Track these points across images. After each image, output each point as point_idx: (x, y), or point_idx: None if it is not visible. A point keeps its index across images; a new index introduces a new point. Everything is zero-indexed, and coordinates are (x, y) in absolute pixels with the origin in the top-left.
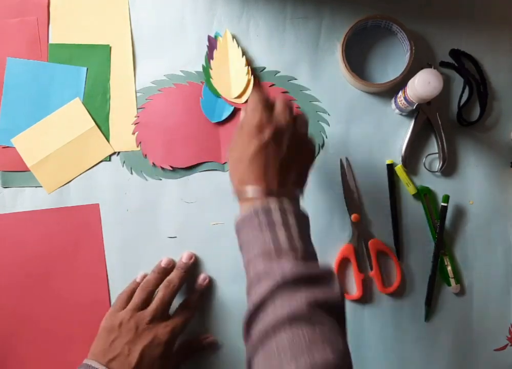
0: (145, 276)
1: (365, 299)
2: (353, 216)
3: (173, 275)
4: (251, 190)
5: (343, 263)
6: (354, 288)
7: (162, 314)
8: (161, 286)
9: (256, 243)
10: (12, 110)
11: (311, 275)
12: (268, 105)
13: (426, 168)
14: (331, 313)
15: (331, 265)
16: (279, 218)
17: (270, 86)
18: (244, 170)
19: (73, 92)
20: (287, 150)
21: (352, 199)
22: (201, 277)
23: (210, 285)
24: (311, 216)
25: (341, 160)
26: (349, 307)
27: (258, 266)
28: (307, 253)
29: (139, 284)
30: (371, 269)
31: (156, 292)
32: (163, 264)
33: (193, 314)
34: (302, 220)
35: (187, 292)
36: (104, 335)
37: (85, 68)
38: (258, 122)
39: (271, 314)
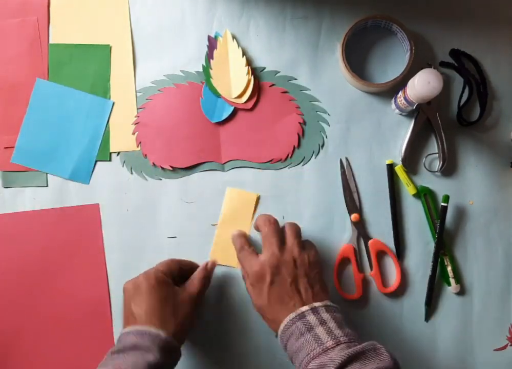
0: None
1: (365, 299)
2: (352, 216)
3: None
4: (284, 321)
5: (343, 263)
6: (353, 288)
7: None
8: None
9: (302, 349)
10: (33, 131)
11: (357, 353)
12: (250, 248)
13: (426, 168)
14: None
15: (373, 341)
16: (314, 318)
17: (270, 86)
18: (272, 314)
19: (96, 123)
20: (291, 277)
21: (351, 199)
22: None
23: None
24: (311, 217)
25: (340, 160)
26: (349, 307)
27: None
28: (348, 335)
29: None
30: (371, 269)
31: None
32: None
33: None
34: (333, 311)
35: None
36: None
37: (112, 102)
38: (255, 273)
39: None
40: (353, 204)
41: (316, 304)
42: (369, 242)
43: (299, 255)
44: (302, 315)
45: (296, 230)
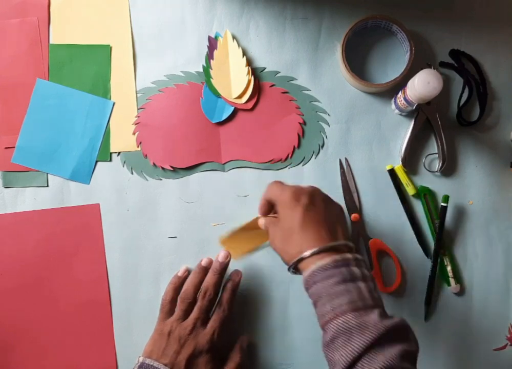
0: (186, 270)
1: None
2: (352, 216)
3: (208, 282)
4: (311, 252)
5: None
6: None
7: (202, 322)
8: (198, 297)
9: (342, 296)
10: (33, 131)
11: (395, 329)
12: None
13: (426, 169)
14: (413, 364)
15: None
16: (358, 270)
17: (270, 86)
18: (298, 239)
19: (97, 123)
20: (324, 208)
21: (351, 199)
22: (233, 273)
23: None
24: None
25: (340, 161)
26: None
27: (349, 320)
28: (381, 300)
29: (180, 278)
30: (372, 268)
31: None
32: (203, 264)
33: (228, 313)
34: (367, 267)
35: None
36: (158, 338)
37: (112, 102)
38: (292, 194)
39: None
40: (353, 204)
41: (359, 256)
42: (370, 241)
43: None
44: (347, 262)
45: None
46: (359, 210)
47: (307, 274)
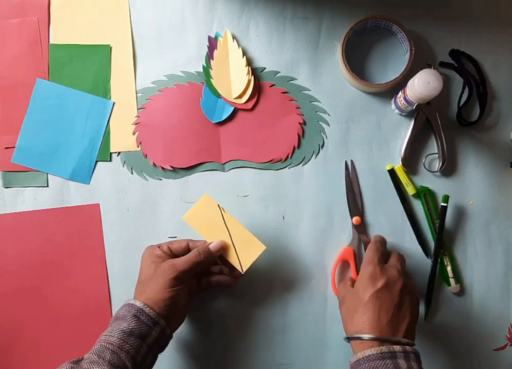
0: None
1: None
2: (354, 219)
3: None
4: (367, 337)
5: (342, 265)
6: None
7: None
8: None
9: None
10: (33, 131)
11: None
12: (383, 258)
13: (426, 168)
14: None
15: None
16: (405, 364)
17: (270, 86)
18: (359, 316)
19: (97, 123)
20: (398, 298)
21: (354, 202)
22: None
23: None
24: (311, 217)
25: (346, 163)
26: None
27: None
28: None
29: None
30: None
31: None
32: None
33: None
34: (418, 360)
35: None
36: None
37: (112, 102)
38: (371, 273)
39: None
40: (356, 207)
41: (409, 348)
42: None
43: (410, 284)
44: (393, 355)
45: (404, 260)
46: (361, 213)
47: (353, 361)
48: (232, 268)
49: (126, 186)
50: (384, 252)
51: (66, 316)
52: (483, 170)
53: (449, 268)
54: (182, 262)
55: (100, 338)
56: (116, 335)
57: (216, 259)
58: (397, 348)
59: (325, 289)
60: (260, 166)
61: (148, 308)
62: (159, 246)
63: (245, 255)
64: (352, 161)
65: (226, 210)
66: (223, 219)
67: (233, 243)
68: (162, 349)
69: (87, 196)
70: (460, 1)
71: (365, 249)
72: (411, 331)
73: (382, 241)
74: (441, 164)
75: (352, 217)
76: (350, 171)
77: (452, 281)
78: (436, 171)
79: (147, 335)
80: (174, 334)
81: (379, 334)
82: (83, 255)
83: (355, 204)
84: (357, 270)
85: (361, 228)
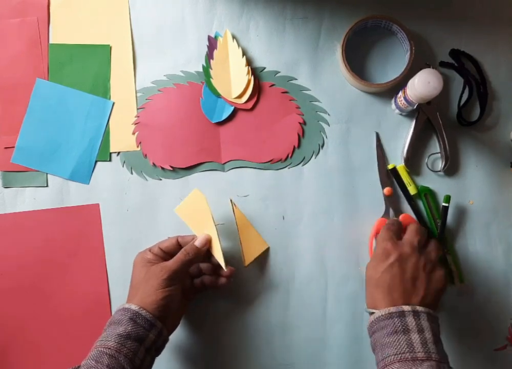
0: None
1: None
2: (385, 190)
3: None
4: (380, 310)
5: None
6: None
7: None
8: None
9: (391, 346)
10: (33, 131)
11: None
12: (399, 233)
13: (429, 168)
14: None
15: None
16: (413, 322)
17: (270, 86)
18: (373, 290)
19: (97, 123)
20: (411, 274)
21: (385, 173)
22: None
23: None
24: (311, 217)
25: (376, 133)
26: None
27: None
28: (439, 353)
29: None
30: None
31: None
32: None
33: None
34: (433, 321)
35: None
36: None
37: (112, 102)
38: (384, 250)
39: None
40: (387, 177)
41: (419, 308)
42: (400, 216)
43: (433, 257)
44: (402, 314)
45: (422, 230)
46: (392, 184)
47: (368, 325)
48: (219, 267)
49: (125, 186)
50: (398, 230)
51: (66, 316)
52: (483, 170)
53: (453, 267)
54: (172, 263)
55: (95, 344)
56: (113, 340)
57: (205, 253)
58: (406, 307)
59: (325, 289)
60: (260, 166)
61: (144, 311)
62: (150, 250)
63: (249, 251)
64: (377, 133)
65: (237, 206)
66: (233, 213)
67: (239, 238)
68: (159, 351)
69: (86, 196)
70: (460, 1)
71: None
72: (431, 302)
73: (394, 222)
74: (443, 164)
75: (383, 188)
76: (380, 142)
77: (456, 280)
78: (439, 171)
79: (144, 338)
80: (173, 335)
81: (391, 305)
82: (82, 256)
83: (386, 175)
84: None
85: (393, 200)
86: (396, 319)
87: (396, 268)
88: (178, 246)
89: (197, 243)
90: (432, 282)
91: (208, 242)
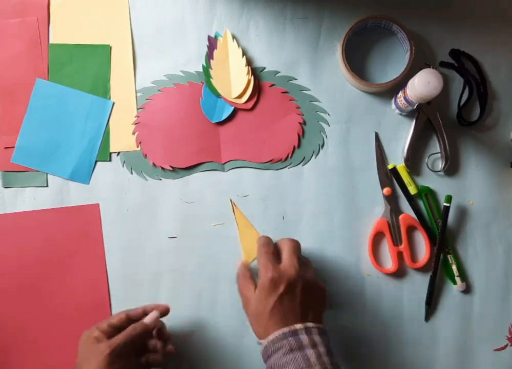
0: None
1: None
2: (385, 190)
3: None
4: (277, 334)
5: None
6: (389, 262)
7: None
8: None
9: (289, 365)
10: (33, 131)
11: None
12: (276, 253)
13: (429, 168)
14: None
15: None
16: (306, 338)
17: (270, 86)
18: (267, 323)
19: (97, 123)
20: (301, 296)
21: (384, 172)
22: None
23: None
24: (311, 217)
25: (375, 133)
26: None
27: None
28: (333, 365)
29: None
30: (401, 243)
31: None
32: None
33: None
34: (323, 334)
35: None
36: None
37: (112, 102)
38: (271, 281)
39: None
40: (385, 177)
41: (310, 324)
42: (400, 216)
43: (310, 275)
44: (295, 332)
45: (298, 247)
46: (391, 184)
47: (262, 350)
48: (165, 343)
49: (125, 186)
50: (275, 251)
51: (65, 316)
52: (483, 170)
53: (454, 267)
54: (118, 336)
55: None
56: None
57: (152, 331)
58: (298, 326)
59: None
60: (260, 166)
61: None
62: (97, 327)
63: (249, 251)
64: (376, 133)
65: (237, 206)
66: (233, 213)
67: (239, 238)
68: None
69: (86, 196)
70: (460, 1)
71: (396, 222)
72: (318, 318)
73: (266, 242)
74: (444, 164)
75: (382, 188)
76: (379, 143)
77: (458, 279)
78: (439, 171)
79: None
80: (173, 335)
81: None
82: (82, 255)
83: (385, 175)
84: (393, 242)
85: (392, 200)
86: (291, 338)
87: (287, 296)
88: (127, 321)
89: (147, 320)
90: (316, 299)
91: (157, 321)
